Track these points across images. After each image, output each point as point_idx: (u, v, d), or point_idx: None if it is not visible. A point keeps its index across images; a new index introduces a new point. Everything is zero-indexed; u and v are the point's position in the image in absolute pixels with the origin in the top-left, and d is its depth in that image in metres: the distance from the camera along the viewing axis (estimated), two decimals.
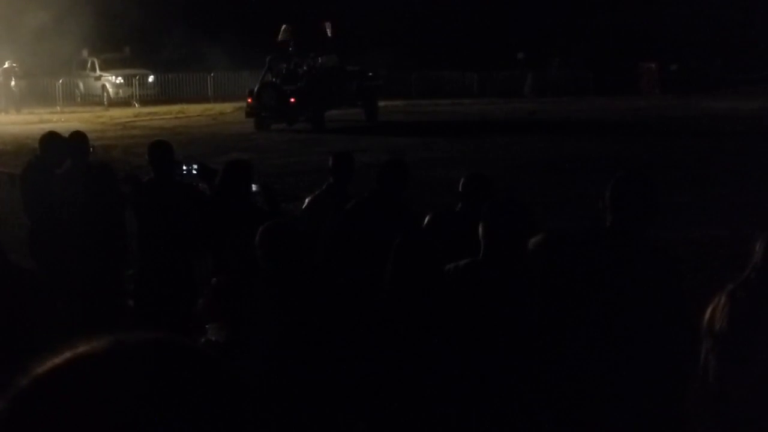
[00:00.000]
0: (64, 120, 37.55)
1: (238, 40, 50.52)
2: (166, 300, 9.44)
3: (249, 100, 35.50)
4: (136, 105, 46.76)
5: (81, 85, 49.78)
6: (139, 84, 48.68)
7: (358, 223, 8.42)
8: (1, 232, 12.09)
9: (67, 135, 11.14)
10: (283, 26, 36.62)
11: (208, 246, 9.41)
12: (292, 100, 34.19)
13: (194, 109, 44.02)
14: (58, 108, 45.36)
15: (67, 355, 1.47)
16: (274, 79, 35.91)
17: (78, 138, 10.70)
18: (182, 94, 49.38)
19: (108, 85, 48.61)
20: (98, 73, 49.13)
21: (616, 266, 5.57)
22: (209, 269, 9.47)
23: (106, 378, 1.44)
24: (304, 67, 36.26)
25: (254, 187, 9.88)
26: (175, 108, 44.50)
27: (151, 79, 49.59)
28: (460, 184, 7.98)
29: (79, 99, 49.10)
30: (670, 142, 27.87)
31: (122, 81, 48.58)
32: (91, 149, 11.16)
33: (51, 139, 11.05)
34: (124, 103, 47.29)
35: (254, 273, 6.88)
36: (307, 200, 9.54)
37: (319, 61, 36.77)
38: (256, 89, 35.29)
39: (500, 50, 51.66)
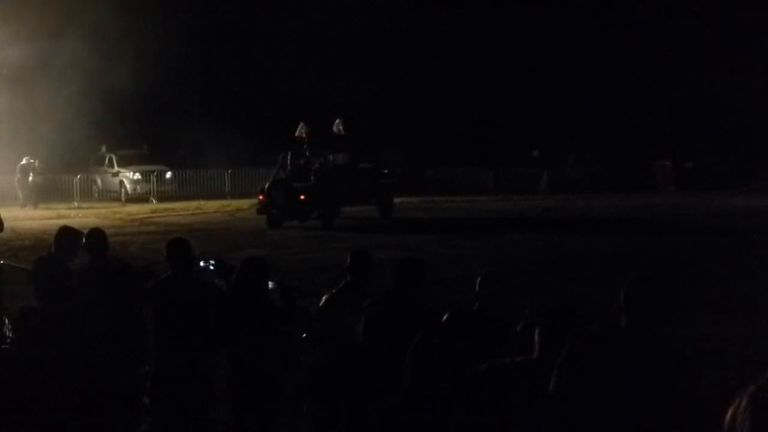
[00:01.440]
0: (81, 215, 37.76)
1: (255, 137, 51.02)
2: (182, 397, 9.41)
3: (260, 197, 35.60)
4: (154, 201, 46.99)
5: (99, 181, 50.12)
6: (157, 180, 48.97)
7: (377, 324, 8.39)
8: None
9: (83, 230, 11.21)
10: (300, 123, 36.74)
11: (224, 343, 9.41)
12: (302, 197, 34.17)
13: (211, 206, 44.24)
14: (76, 203, 45.67)
15: None
16: (285, 177, 35.93)
17: (97, 235, 10.72)
18: (199, 190, 49.69)
19: (126, 181, 48.93)
20: (116, 169, 49.50)
21: (633, 368, 5.53)
22: (225, 366, 9.47)
23: None
24: (316, 165, 36.21)
25: (270, 284, 9.88)
26: (192, 204, 44.73)
27: (168, 175, 49.89)
28: (477, 283, 7.92)
29: (96, 195, 49.44)
30: (685, 239, 27.84)
31: (140, 177, 48.88)
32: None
33: (64, 233, 11.13)
34: (142, 199, 47.54)
35: None
36: (324, 298, 9.53)
37: (331, 158, 36.85)
38: (267, 186, 35.39)
39: (515, 148, 52.02)
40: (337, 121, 36.93)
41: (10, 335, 9.10)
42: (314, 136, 36.64)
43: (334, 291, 9.43)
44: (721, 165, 50.96)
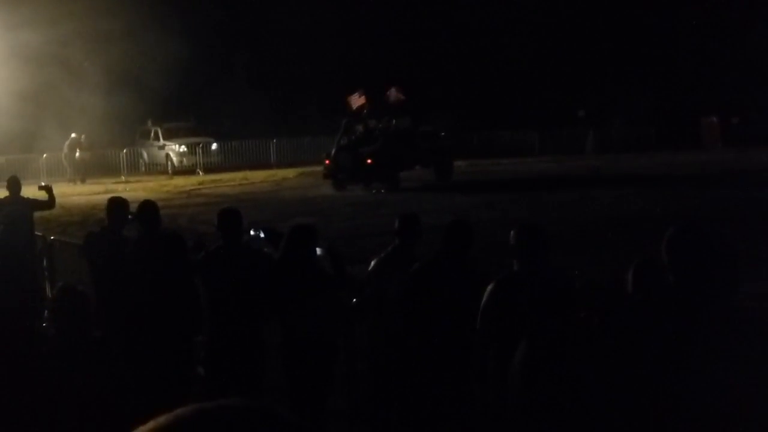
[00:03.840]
0: (129, 189, 37.95)
1: (300, 106, 51.04)
2: (236, 365, 9.45)
3: (327, 162, 36.43)
4: (200, 173, 47.13)
5: (145, 155, 50.26)
6: (203, 152, 49.05)
7: (426, 285, 8.39)
8: None
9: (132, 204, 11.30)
10: (357, 92, 37.46)
11: (276, 311, 9.42)
12: (368, 161, 35.01)
13: (257, 176, 44.35)
14: (123, 177, 45.92)
15: (151, 426, 1.48)
16: (349, 142, 36.61)
17: (148, 207, 10.75)
18: (245, 160, 49.72)
19: (172, 154, 49.02)
20: (162, 142, 49.59)
21: (685, 331, 5.37)
22: (277, 334, 9.47)
23: None
24: (379, 129, 36.96)
25: (319, 251, 9.87)
26: (239, 175, 44.84)
27: (214, 146, 49.94)
28: (511, 237, 7.78)
29: (143, 168, 49.61)
30: (735, 196, 27.59)
31: (186, 149, 48.95)
32: (130, 216, 11.19)
33: (116, 203, 11.24)
34: (188, 171, 47.66)
35: None
36: (372, 262, 9.51)
37: (393, 122, 37.45)
38: (333, 152, 36.12)
39: (561, 108, 51.71)
40: (393, 88, 37.59)
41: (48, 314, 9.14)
42: (373, 102, 37.41)
43: (382, 255, 9.42)
44: (766, 121, 50.39)
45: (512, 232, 7.71)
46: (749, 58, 51.21)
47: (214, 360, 9.62)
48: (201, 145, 49.10)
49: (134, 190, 37.69)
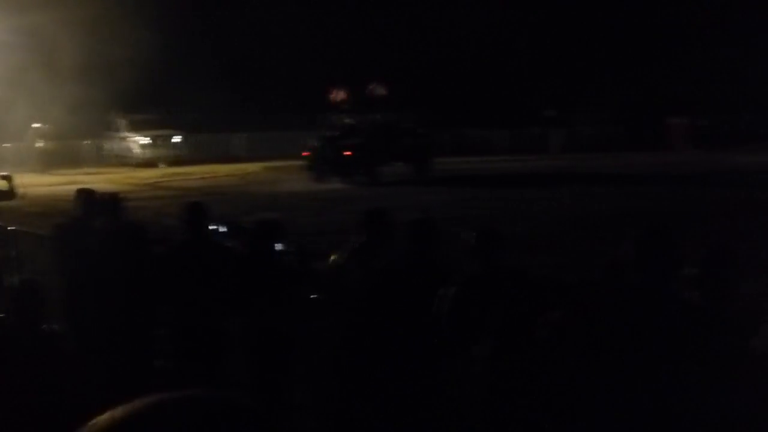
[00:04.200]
0: (92, 181, 37.69)
1: (267, 100, 50.97)
2: (200, 359, 9.40)
3: (306, 154, 37.45)
4: (164, 165, 47.00)
5: (109, 146, 50.06)
6: (167, 145, 48.91)
7: (390, 281, 8.36)
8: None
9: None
10: (335, 88, 38.90)
11: (239, 305, 9.38)
12: (347, 153, 36.06)
13: (222, 169, 44.27)
14: (86, 169, 45.71)
15: (108, 416, 1.42)
16: (329, 135, 37.58)
17: (112, 198, 10.72)
18: (209, 154, 49.62)
19: (136, 146, 48.85)
20: (126, 133, 49.39)
21: (646, 323, 5.44)
22: (241, 327, 9.44)
23: None
24: (359, 124, 38.07)
25: (283, 246, 9.83)
26: (203, 168, 44.77)
27: (178, 139, 49.83)
28: (473, 238, 7.85)
29: (106, 160, 49.39)
30: (700, 196, 27.79)
31: (150, 142, 48.82)
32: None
33: (84, 194, 11.13)
34: (152, 163, 47.53)
35: None
36: (333, 257, 9.46)
37: (374, 117, 38.43)
38: (314, 144, 37.14)
39: (530, 108, 51.94)
40: (373, 84, 38.97)
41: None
42: (352, 97, 38.79)
43: (345, 252, 9.35)
44: (735, 123, 50.81)
45: (471, 235, 7.77)
46: (718, 61, 51.60)
47: (177, 353, 9.60)
48: (165, 138, 48.97)
49: (98, 181, 37.45)
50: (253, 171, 43.26)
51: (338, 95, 38.74)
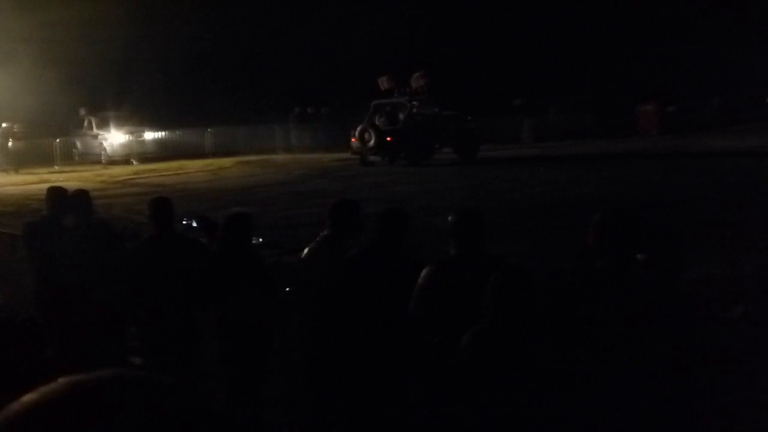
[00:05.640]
0: (63, 179, 37.53)
1: (235, 95, 50.78)
2: (171, 354, 9.40)
3: (353, 140, 40.21)
4: (135, 162, 46.76)
5: (79, 144, 49.69)
6: (137, 141, 48.64)
7: (359, 273, 8.38)
8: (1, 292, 12.06)
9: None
10: (385, 76, 41.68)
11: (212, 299, 9.38)
12: (388, 139, 39.14)
13: (193, 165, 44.07)
14: (57, 167, 45.44)
15: (18, 404, 1.42)
16: (375, 122, 40.75)
17: (81, 196, 10.71)
18: (181, 150, 49.38)
19: (106, 144, 48.53)
20: (96, 131, 49.05)
21: (616, 306, 5.51)
22: (213, 322, 9.45)
23: (59, 424, 1.39)
24: (403, 112, 40.91)
25: (257, 240, 9.84)
26: (174, 164, 44.54)
27: (149, 136, 49.55)
28: (449, 221, 7.86)
29: (77, 158, 49.04)
30: (667, 182, 27.89)
31: (120, 139, 48.52)
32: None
33: (55, 192, 11.13)
34: (123, 161, 47.26)
35: None
36: (305, 250, 9.48)
37: (415, 105, 41.09)
38: (358, 130, 39.91)
39: (498, 97, 51.88)
40: (417, 73, 41.26)
41: None
42: (398, 86, 41.51)
43: (314, 244, 9.38)
44: (703, 108, 50.94)
45: (450, 217, 7.72)
46: (687, 46, 51.72)
47: (149, 349, 9.59)
48: (135, 135, 48.69)
49: (68, 180, 37.26)
50: (225, 166, 43.11)
51: (385, 83, 41.59)
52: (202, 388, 9.34)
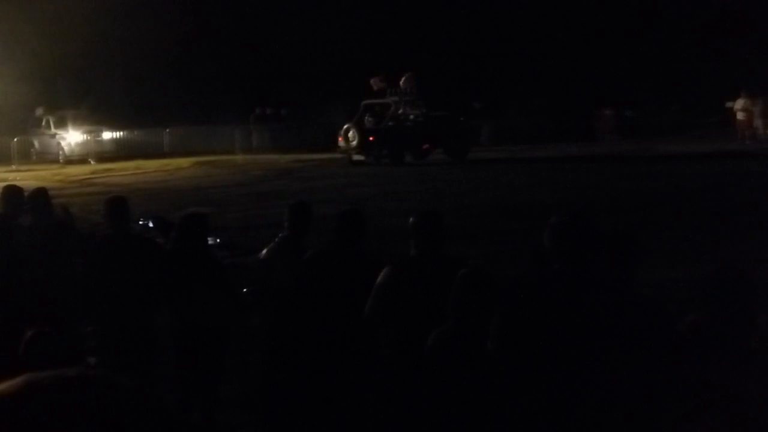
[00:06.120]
0: (20, 178, 37.27)
1: (194, 95, 50.62)
2: (126, 354, 9.35)
3: (340, 139, 40.90)
4: (92, 162, 46.49)
5: (36, 143, 49.35)
6: (95, 141, 48.36)
7: (317, 274, 8.41)
8: None
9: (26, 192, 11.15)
10: (376, 77, 42.05)
11: (167, 299, 9.35)
12: (371, 138, 39.98)
13: (151, 165, 43.89)
14: (14, 166, 45.11)
15: None
16: (361, 121, 41.23)
17: (40, 194, 10.67)
18: (138, 150, 49.12)
19: (63, 143, 48.18)
20: (53, 130, 48.71)
21: (573, 309, 5.54)
22: (168, 322, 9.42)
23: (17, 421, 1.38)
24: (389, 112, 41.54)
25: (212, 240, 9.82)
26: (132, 164, 44.35)
27: (107, 135, 49.24)
28: (410, 222, 7.86)
29: (34, 157, 48.71)
30: (624, 186, 28.06)
31: (78, 138, 48.20)
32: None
33: (9, 191, 11.06)
34: (80, 160, 46.95)
35: None
36: (263, 251, 9.49)
37: (401, 106, 41.67)
38: (344, 129, 40.71)
39: (457, 100, 51.93)
40: (406, 75, 41.80)
41: None
42: (389, 87, 41.98)
43: (273, 244, 9.39)
44: (661, 114, 51.31)
45: (411, 218, 7.76)
46: (646, 51, 52.04)
47: (104, 348, 9.54)
48: (93, 134, 48.39)
49: (25, 179, 37.00)
50: (183, 166, 42.96)
51: (375, 84, 42.02)
52: (157, 389, 9.29)
